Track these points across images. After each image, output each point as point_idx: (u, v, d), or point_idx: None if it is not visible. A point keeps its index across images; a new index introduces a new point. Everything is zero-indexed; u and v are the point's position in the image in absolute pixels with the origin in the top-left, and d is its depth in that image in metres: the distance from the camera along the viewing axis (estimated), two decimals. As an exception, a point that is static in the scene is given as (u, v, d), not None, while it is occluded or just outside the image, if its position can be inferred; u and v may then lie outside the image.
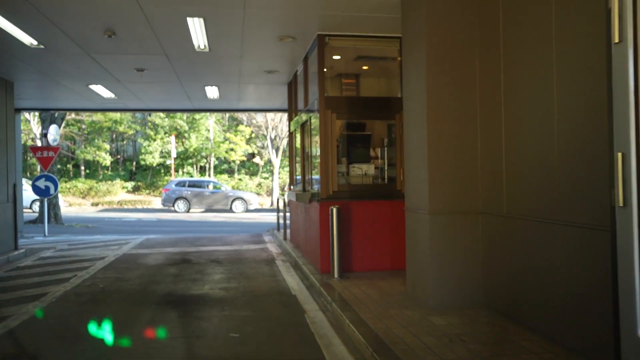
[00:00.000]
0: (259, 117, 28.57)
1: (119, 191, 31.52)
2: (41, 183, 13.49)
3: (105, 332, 4.89)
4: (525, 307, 4.42)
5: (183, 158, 34.72)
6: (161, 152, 33.62)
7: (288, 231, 10.95)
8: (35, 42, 7.43)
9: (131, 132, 34.96)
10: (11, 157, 10.31)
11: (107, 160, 33.46)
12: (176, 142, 33.78)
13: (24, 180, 19.69)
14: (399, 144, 7.28)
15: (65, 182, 31.34)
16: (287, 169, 27.73)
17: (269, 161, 30.93)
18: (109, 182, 32.44)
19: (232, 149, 33.31)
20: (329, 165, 7.21)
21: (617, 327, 3.15)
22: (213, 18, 6.55)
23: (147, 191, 32.46)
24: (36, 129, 24.01)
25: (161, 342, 4.62)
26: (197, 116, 33.68)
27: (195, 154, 34.51)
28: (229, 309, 5.68)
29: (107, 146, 34.25)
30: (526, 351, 3.82)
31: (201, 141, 34.35)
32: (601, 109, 3.47)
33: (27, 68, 9.10)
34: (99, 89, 10.89)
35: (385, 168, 7.75)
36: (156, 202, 28.94)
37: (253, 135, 33.06)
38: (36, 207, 21.58)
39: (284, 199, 11.71)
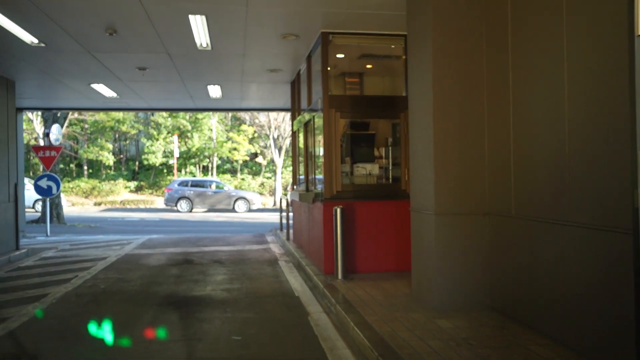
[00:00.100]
0: (262, 117, 28.48)
1: (121, 191, 31.50)
2: (43, 183, 13.44)
3: (105, 334, 4.82)
4: (534, 309, 4.32)
5: (186, 158, 34.71)
6: (164, 151, 33.61)
7: (291, 231, 10.87)
8: (35, 40, 7.36)
9: (134, 131, 34.94)
10: (12, 157, 10.25)
11: (109, 159, 33.48)
12: (179, 142, 33.76)
13: (26, 180, 19.69)
14: (404, 144, 7.18)
15: (68, 181, 31.34)
16: (289, 168, 27.68)
17: (272, 161, 30.84)
18: (112, 181, 32.44)
19: (235, 149, 33.26)
20: (333, 164, 7.12)
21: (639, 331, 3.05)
22: (215, 15, 6.47)
23: (150, 191, 32.44)
24: (39, 128, 23.96)
25: (162, 344, 4.54)
26: (199, 116, 33.65)
27: (198, 153, 34.48)
28: (231, 310, 5.59)
29: (110, 146, 34.25)
30: (536, 356, 3.72)
31: (204, 141, 34.32)
32: (618, 106, 3.36)
33: (28, 67, 9.04)
34: (100, 88, 10.83)
35: (390, 168, 7.66)
36: (159, 201, 28.92)
37: (256, 134, 32.99)
38: (39, 206, 21.57)
39: (286, 199, 11.63)
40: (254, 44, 7.77)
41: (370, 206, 7.06)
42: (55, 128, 14.74)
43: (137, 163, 36.22)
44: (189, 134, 33.98)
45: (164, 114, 33.07)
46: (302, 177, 9.65)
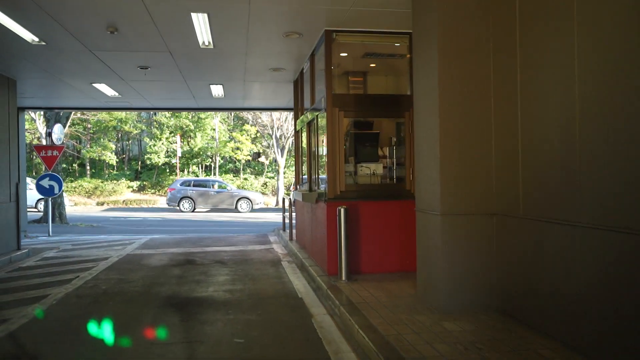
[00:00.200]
0: (265, 117, 28.42)
1: (124, 190, 31.50)
2: (45, 182, 13.41)
3: (106, 336, 4.75)
4: (543, 312, 4.23)
5: (188, 157, 34.68)
6: (166, 151, 33.60)
7: (294, 231, 10.78)
8: (36, 39, 7.30)
9: (136, 131, 34.96)
10: (14, 156, 10.20)
11: (112, 159, 33.47)
12: (181, 142, 33.73)
13: (28, 180, 19.66)
14: (409, 143, 7.09)
15: (71, 181, 31.36)
16: (292, 168, 27.62)
17: (275, 160, 30.79)
18: (115, 181, 32.45)
19: (237, 148, 33.22)
20: (336, 164, 7.03)
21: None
22: (217, 13, 6.39)
23: (153, 190, 32.44)
24: (42, 128, 23.95)
25: (163, 347, 4.46)
26: (202, 115, 33.64)
27: (201, 153, 34.46)
28: (233, 312, 5.51)
29: (113, 145, 34.25)
30: (546, 360, 3.63)
31: (206, 140, 34.29)
32: (632, 105, 3.27)
33: (29, 66, 8.98)
34: (102, 87, 10.76)
35: (394, 167, 7.56)
36: (161, 201, 28.90)
37: (258, 134, 32.95)
38: (41, 206, 21.53)
39: (289, 199, 11.54)
40: (257, 42, 7.69)
41: (374, 206, 6.97)
42: (57, 127, 14.71)
43: (139, 163, 36.20)
44: (191, 134, 33.97)
45: (167, 113, 33.08)
46: (305, 176, 9.56)
